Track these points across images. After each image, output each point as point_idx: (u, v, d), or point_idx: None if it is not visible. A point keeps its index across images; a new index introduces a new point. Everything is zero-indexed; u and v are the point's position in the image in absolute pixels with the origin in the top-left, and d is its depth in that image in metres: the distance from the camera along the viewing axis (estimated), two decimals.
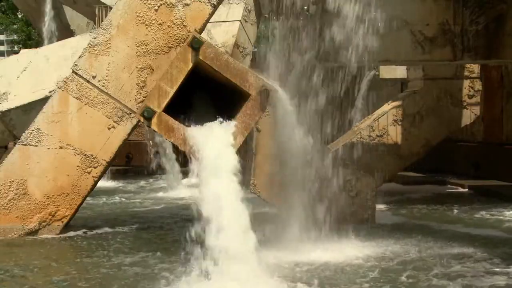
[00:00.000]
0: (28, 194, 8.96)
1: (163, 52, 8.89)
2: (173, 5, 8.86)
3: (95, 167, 9.03)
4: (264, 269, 6.33)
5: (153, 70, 8.90)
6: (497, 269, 6.91)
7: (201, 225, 6.36)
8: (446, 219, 10.58)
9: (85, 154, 9.01)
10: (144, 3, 8.89)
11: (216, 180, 6.60)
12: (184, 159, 14.91)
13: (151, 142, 16.44)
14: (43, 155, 9.00)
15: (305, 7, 9.19)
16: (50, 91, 12.53)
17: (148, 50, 8.91)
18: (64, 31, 19.92)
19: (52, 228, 9.00)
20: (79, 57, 9.07)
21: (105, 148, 9.03)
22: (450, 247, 8.06)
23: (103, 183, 14.75)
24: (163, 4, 8.87)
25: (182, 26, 8.87)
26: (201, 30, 8.97)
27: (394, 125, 13.66)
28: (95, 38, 9.04)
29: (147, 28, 8.89)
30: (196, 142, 7.12)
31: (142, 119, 7.65)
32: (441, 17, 10.39)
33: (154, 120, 7.59)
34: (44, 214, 8.98)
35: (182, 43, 8.62)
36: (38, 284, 6.58)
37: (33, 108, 12.78)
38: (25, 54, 16.09)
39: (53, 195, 8.99)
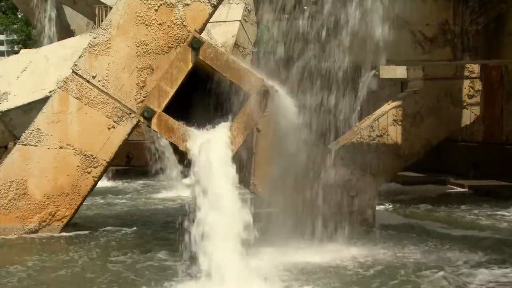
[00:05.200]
0: (28, 194, 8.96)
1: (163, 52, 8.89)
2: (173, 5, 8.86)
3: (95, 167, 9.04)
4: (256, 270, 6.35)
5: (153, 70, 8.90)
6: (494, 271, 6.89)
7: (194, 225, 6.38)
8: (446, 219, 10.57)
9: (85, 154, 9.01)
10: (144, 3, 8.89)
11: (213, 182, 6.62)
12: (184, 159, 14.92)
13: (152, 141, 16.41)
14: (43, 155, 9.00)
15: (305, 7, 9.18)
16: (50, 91, 12.53)
17: (148, 50, 8.91)
18: (64, 31, 19.91)
19: (52, 228, 9.00)
20: (79, 57, 9.07)
21: (105, 148, 9.03)
22: (449, 248, 8.03)
23: (103, 183, 14.74)
24: (163, 4, 8.87)
25: (182, 26, 8.87)
26: (201, 30, 8.97)
27: (394, 125, 13.66)
28: (95, 38, 9.04)
29: (147, 28, 8.89)
30: (196, 142, 7.12)
31: (142, 119, 7.64)
32: (441, 17, 10.39)
33: (154, 120, 7.59)
34: (44, 214, 8.98)
35: (182, 43, 8.62)
36: (36, 283, 6.59)
37: (33, 108, 12.78)
38: (25, 54, 16.10)
39: (53, 195, 9.00)
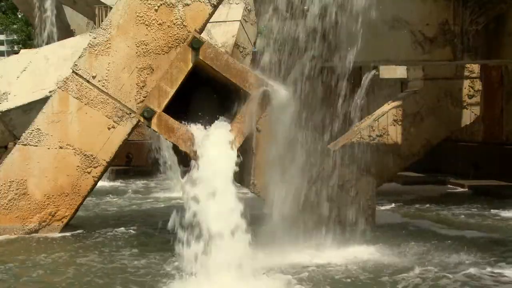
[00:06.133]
0: (28, 194, 8.96)
1: (163, 52, 8.90)
2: (173, 5, 8.86)
3: (95, 167, 9.04)
4: (254, 269, 6.35)
5: (153, 70, 8.90)
6: (492, 272, 6.89)
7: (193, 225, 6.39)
8: (445, 219, 10.57)
9: (85, 154, 9.01)
10: (144, 3, 8.89)
11: (213, 181, 6.61)
12: (185, 159, 14.90)
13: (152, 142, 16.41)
14: (43, 155, 9.00)
15: (305, 7, 9.17)
16: (50, 91, 12.54)
17: (148, 50, 8.91)
18: (64, 31, 19.91)
19: (52, 228, 9.00)
20: (79, 57, 9.07)
21: (105, 148, 9.03)
22: (448, 248, 8.00)
23: (104, 184, 14.74)
24: (163, 4, 8.87)
25: (182, 26, 8.87)
26: (201, 30, 8.97)
27: (394, 125, 13.66)
28: (95, 38, 9.05)
29: (147, 28, 8.89)
30: (196, 142, 7.12)
31: (142, 119, 7.65)
32: (441, 17, 10.39)
33: (154, 120, 7.59)
34: (44, 214, 8.98)
35: (182, 43, 8.63)
36: (33, 283, 6.60)
37: (33, 108, 12.78)
38: (25, 54, 16.08)
39: (53, 195, 9.00)
